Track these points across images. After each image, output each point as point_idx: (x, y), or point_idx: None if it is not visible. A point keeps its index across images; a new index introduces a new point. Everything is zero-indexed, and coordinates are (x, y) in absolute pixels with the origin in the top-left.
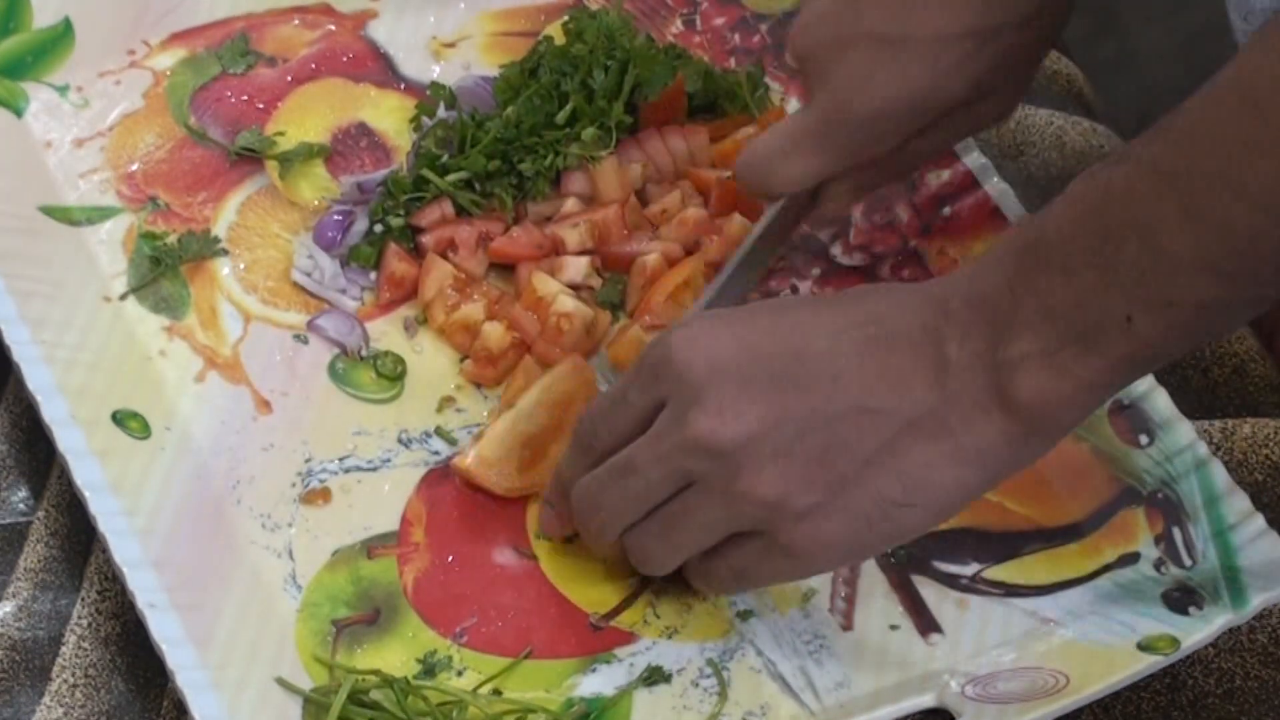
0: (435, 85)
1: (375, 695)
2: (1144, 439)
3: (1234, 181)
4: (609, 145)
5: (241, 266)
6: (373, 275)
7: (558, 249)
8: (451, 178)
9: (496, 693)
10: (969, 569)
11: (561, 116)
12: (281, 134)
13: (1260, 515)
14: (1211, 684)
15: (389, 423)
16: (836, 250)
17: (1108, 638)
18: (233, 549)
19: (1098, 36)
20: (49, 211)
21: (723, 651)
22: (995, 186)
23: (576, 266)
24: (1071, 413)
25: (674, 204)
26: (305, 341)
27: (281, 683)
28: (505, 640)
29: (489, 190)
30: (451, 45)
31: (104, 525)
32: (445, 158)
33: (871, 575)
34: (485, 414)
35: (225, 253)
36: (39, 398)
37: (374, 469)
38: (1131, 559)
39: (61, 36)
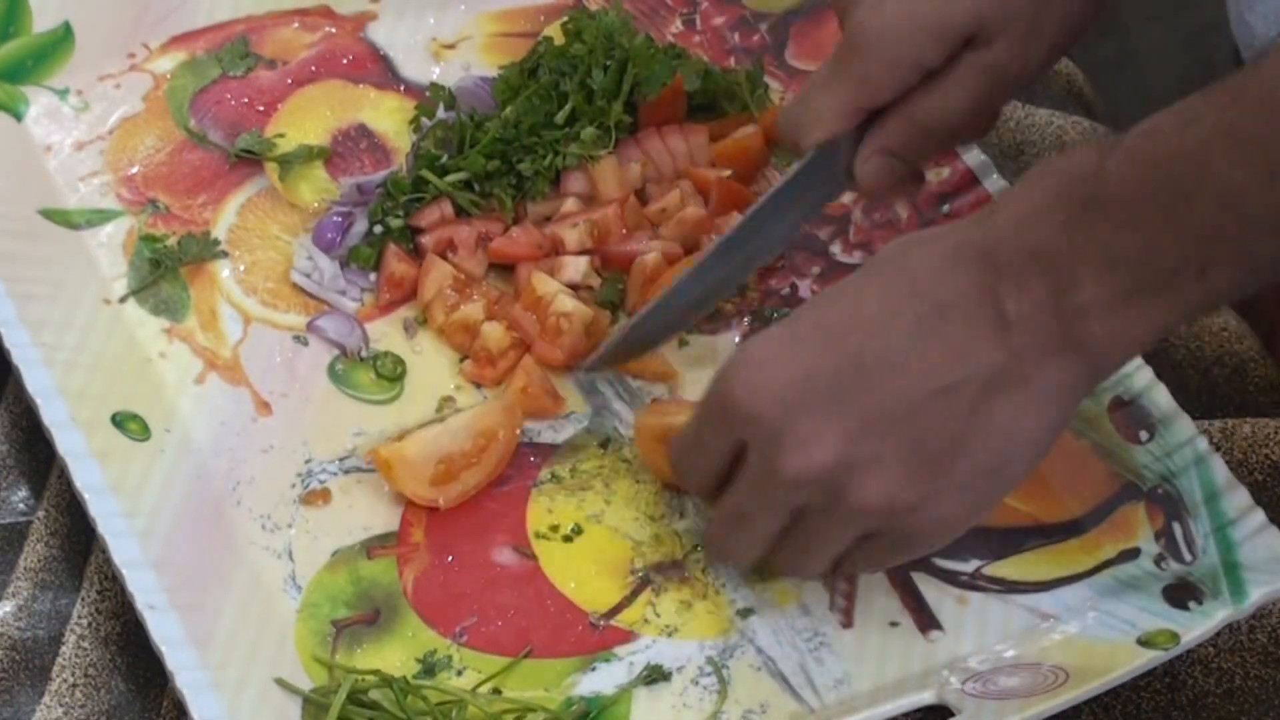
0: (435, 86)
1: (375, 695)
2: (1144, 435)
3: None
4: (608, 145)
5: (241, 268)
6: (372, 276)
7: (557, 249)
8: (451, 178)
9: (496, 692)
10: (969, 565)
11: (561, 116)
12: (281, 136)
13: (1260, 510)
14: (1211, 683)
15: (389, 423)
16: (836, 248)
17: (1108, 633)
18: (233, 550)
19: (1098, 36)
20: (49, 214)
21: (722, 649)
22: (995, 184)
23: (576, 266)
24: (1139, 347)
25: (674, 203)
26: (305, 343)
27: (281, 683)
28: (505, 640)
29: (488, 190)
30: (451, 46)
31: (104, 527)
32: (445, 158)
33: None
34: None
35: (225, 255)
36: (39, 400)
37: (374, 469)
38: (1132, 554)
39: (61, 40)
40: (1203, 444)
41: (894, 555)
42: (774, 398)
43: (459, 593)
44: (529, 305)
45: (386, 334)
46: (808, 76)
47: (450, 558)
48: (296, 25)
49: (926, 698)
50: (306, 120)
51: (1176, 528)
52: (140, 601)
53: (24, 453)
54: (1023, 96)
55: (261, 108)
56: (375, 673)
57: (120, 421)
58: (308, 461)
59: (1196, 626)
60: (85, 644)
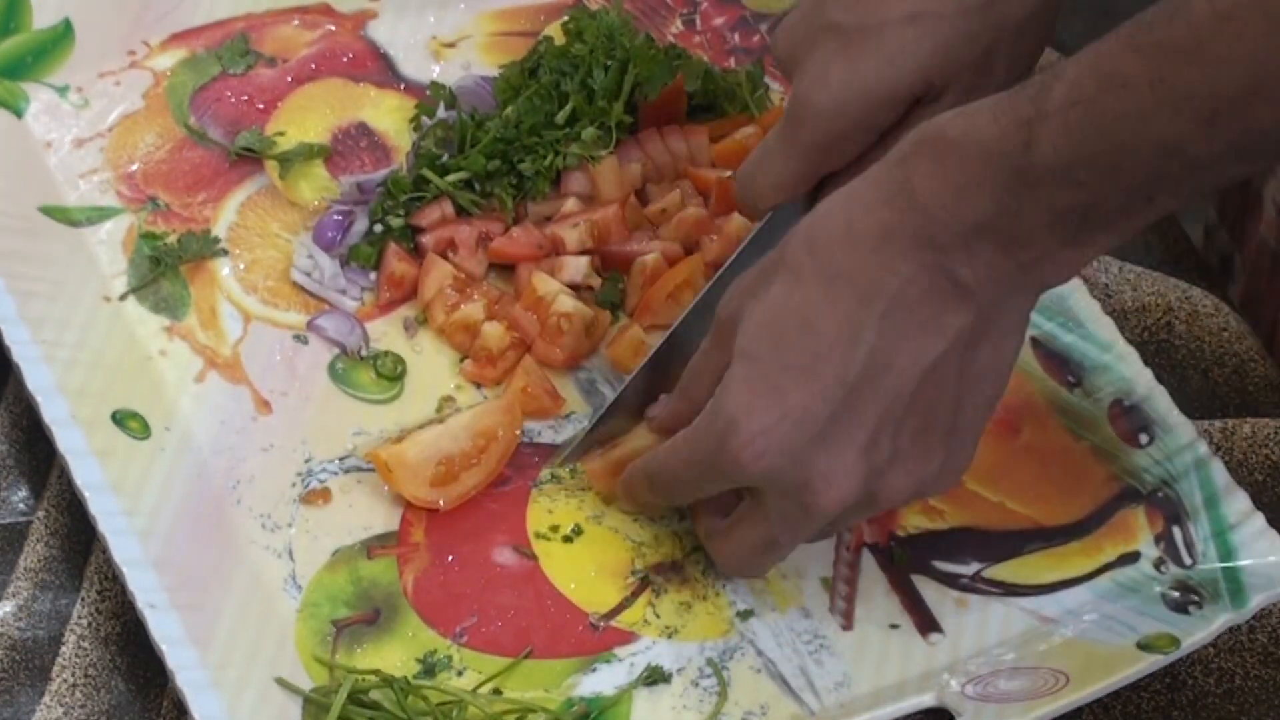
0: (435, 85)
1: (375, 695)
2: (1144, 438)
3: (1266, 94)
4: (609, 145)
5: (241, 267)
6: (372, 275)
7: (558, 249)
8: (451, 178)
9: (496, 692)
10: (969, 568)
11: (561, 116)
12: (281, 134)
13: (1260, 515)
14: (1211, 683)
15: (389, 423)
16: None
17: (1108, 637)
18: (233, 549)
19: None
20: (49, 212)
21: (723, 651)
22: None
23: (576, 266)
24: (1086, 266)
25: (674, 204)
26: (305, 341)
27: (281, 683)
28: (505, 640)
29: (489, 190)
30: (451, 45)
31: (104, 525)
32: (445, 158)
33: (871, 575)
34: None
35: (225, 253)
36: (39, 398)
37: (374, 469)
38: (1131, 558)
39: (61, 37)
40: (1203, 448)
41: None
42: (781, 452)
43: (459, 593)
44: (529, 305)
45: (387, 333)
46: (759, 141)
47: (450, 558)
48: (296, 23)
49: (926, 700)
50: (307, 118)
51: (1176, 531)
52: (140, 600)
53: (24, 452)
54: None
55: (261, 105)
56: (375, 673)
57: (120, 419)
58: (308, 461)
59: (1196, 631)
60: (85, 644)
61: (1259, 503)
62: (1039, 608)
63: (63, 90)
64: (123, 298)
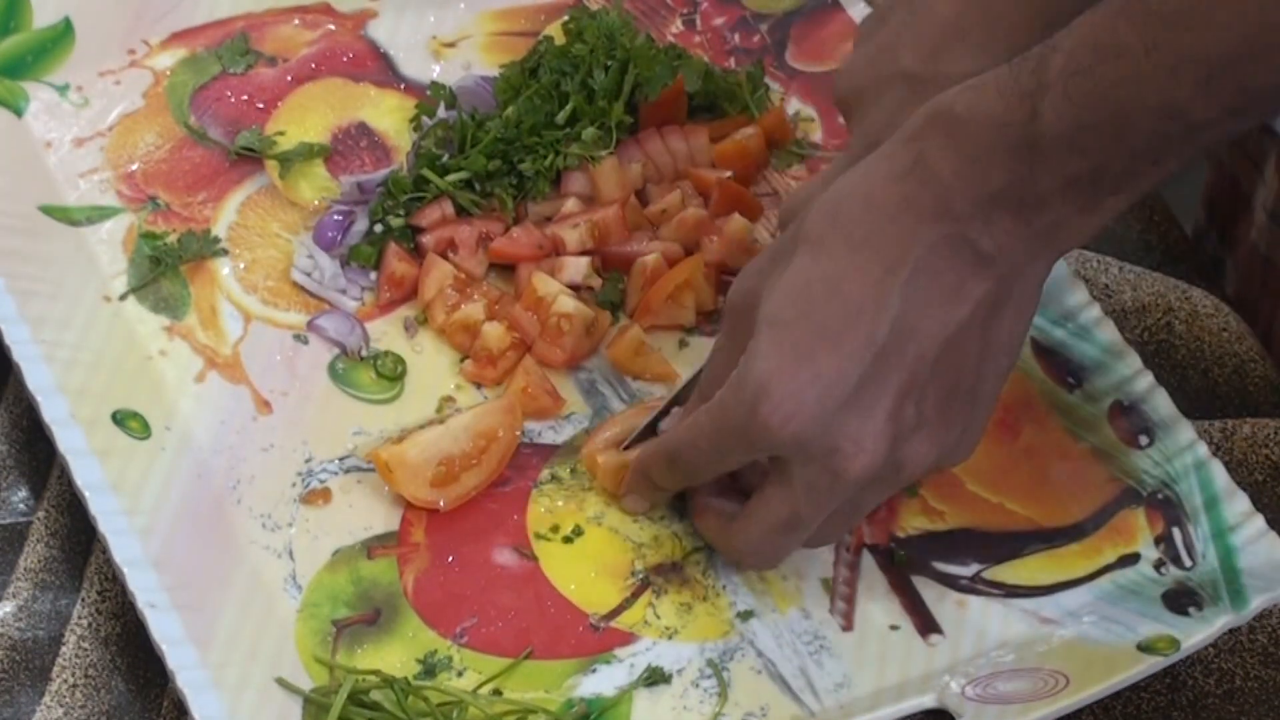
0: (435, 85)
1: (375, 695)
2: (1144, 440)
3: (1259, 53)
4: (609, 145)
5: (241, 266)
6: (373, 275)
7: (558, 249)
8: (452, 178)
9: (496, 693)
10: (969, 569)
11: (562, 116)
12: (281, 134)
13: (1260, 516)
14: (1211, 684)
15: (389, 423)
16: None
17: (1108, 638)
18: (233, 549)
19: None
20: (49, 211)
21: (723, 652)
22: None
23: (576, 267)
24: (1106, 226)
25: (674, 204)
26: (305, 341)
27: (281, 683)
28: (505, 641)
29: (489, 190)
30: (451, 45)
31: (104, 525)
32: (445, 158)
33: (871, 576)
34: None
35: (225, 252)
36: (39, 397)
37: (374, 469)
38: (1131, 560)
39: (61, 36)
40: (1203, 449)
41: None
42: (812, 418)
43: (459, 593)
44: (530, 305)
45: (387, 333)
46: (821, 169)
47: (451, 558)
48: (297, 22)
49: (927, 701)
50: (307, 118)
51: (1176, 533)
52: (141, 600)
53: (24, 453)
54: None
55: (261, 105)
56: (376, 673)
57: (120, 419)
58: (308, 461)
59: (1196, 632)
60: (85, 644)
61: (1259, 503)
62: (1039, 609)
63: (63, 89)
64: (123, 297)
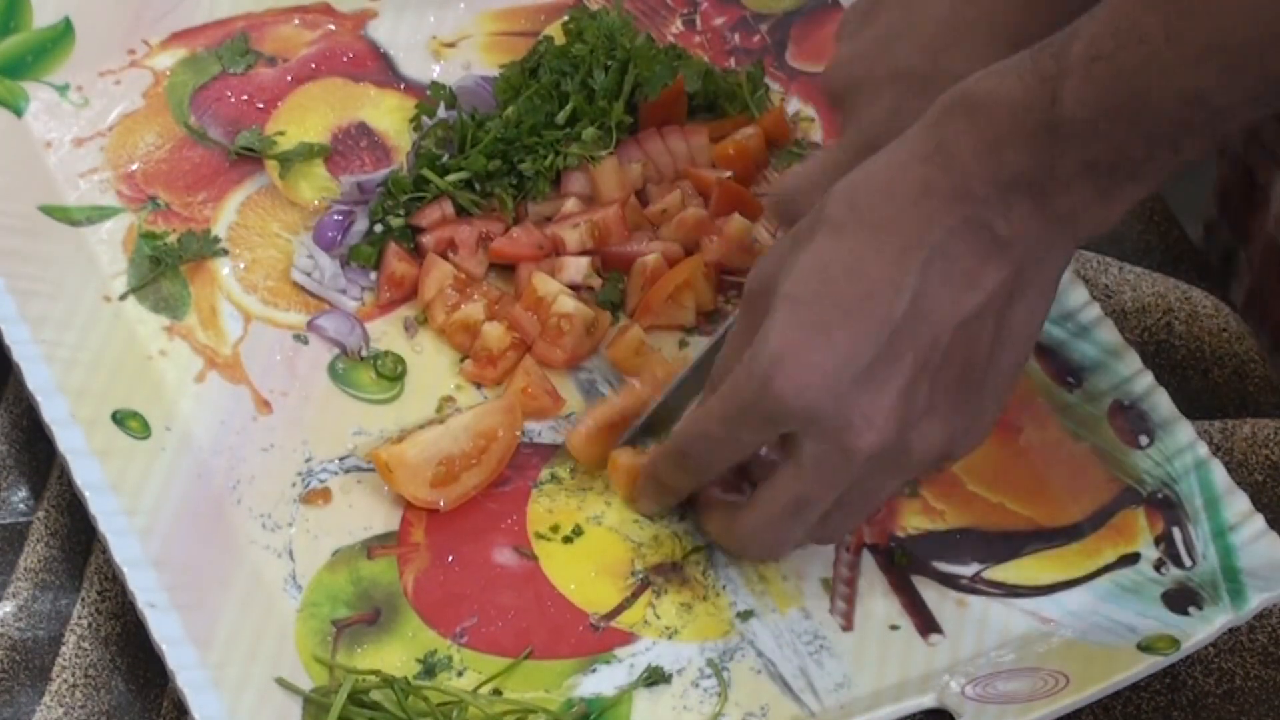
0: (435, 85)
1: (375, 695)
2: (1144, 439)
3: None
4: (609, 145)
5: (242, 266)
6: (373, 275)
7: (558, 249)
8: (452, 178)
9: (496, 693)
10: (969, 569)
11: (562, 116)
12: (281, 134)
13: (1260, 516)
14: (1211, 684)
15: (389, 423)
16: None
17: (1108, 638)
18: (233, 549)
19: None
20: (49, 211)
21: (723, 652)
22: None
23: (577, 267)
24: (1120, 219)
25: (674, 204)
26: (305, 341)
27: (281, 683)
28: (505, 640)
29: (489, 190)
30: (451, 45)
31: (104, 525)
32: (445, 158)
33: (871, 575)
34: None
35: (225, 252)
36: (39, 397)
37: (374, 469)
38: (1131, 559)
39: (61, 36)
40: (1203, 449)
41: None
42: (825, 390)
43: (459, 593)
44: (529, 305)
45: (387, 333)
46: (810, 158)
47: (450, 558)
48: (297, 22)
49: (927, 701)
50: (307, 118)
51: (1176, 533)
52: (141, 600)
53: (24, 453)
54: None
55: (261, 105)
56: (376, 673)
57: (120, 419)
58: (308, 460)
59: (1196, 632)
60: (85, 644)
61: (1259, 503)
62: (1039, 609)
63: (63, 89)
64: (123, 297)
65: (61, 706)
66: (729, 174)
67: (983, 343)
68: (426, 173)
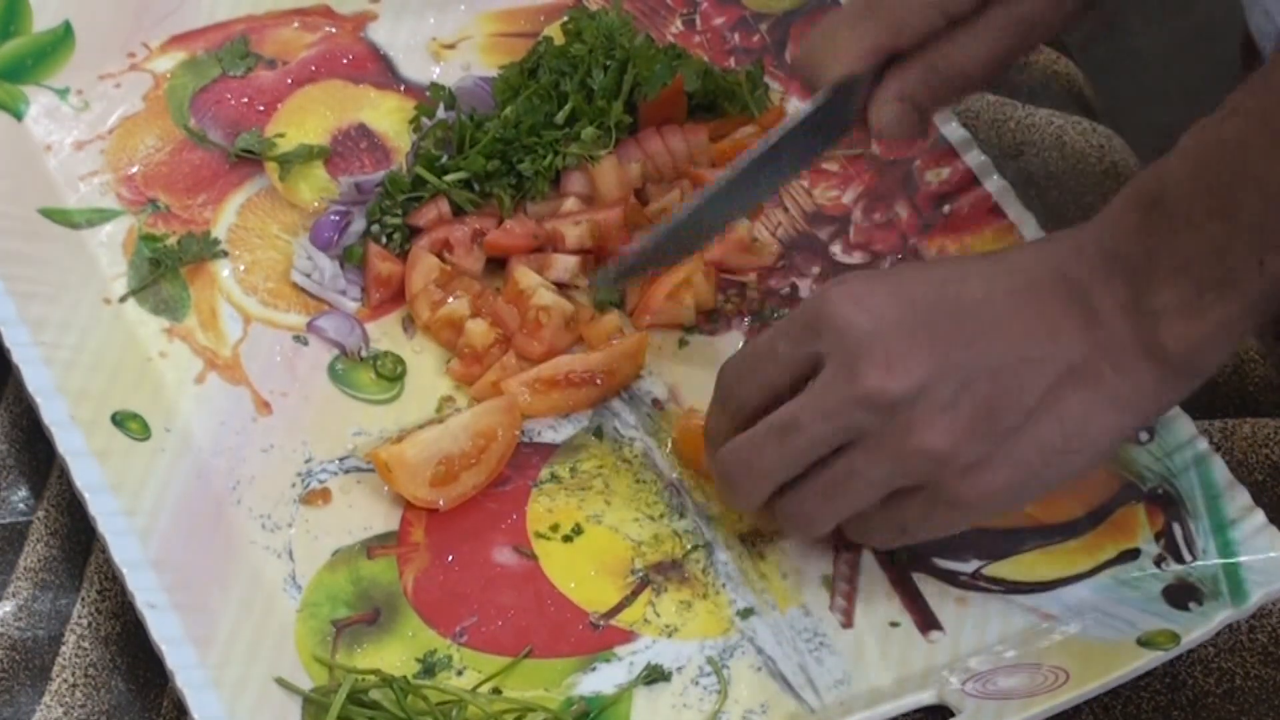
0: (435, 86)
1: (375, 695)
2: (1144, 435)
3: None
4: (608, 145)
5: (241, 268)
6: None
7: (556, 244)
8: (450, 178)
9: (496, 692)
10: (969, 566)
11: (561, 116)
12: (281, 136)
13: (1260, 511)
14: (1211, 683)
15: (389, 423)
16: (837, 248)
17: (1108, 634)
18: (233, 549)
19: (1098, 36)
20: (49, 214)
21: (723, 649)
22: (995, 184)
23: (565, 265)
24: (1215, 352)
25: (674, 204)
26: (305, 342)
27: (281, 683)
28: (505, 640)
29: (488, 190)
30: (451, 46)
31: (104, 526)
32: (444, 158)
33: (872, 573)
34: None
35: (225, 254)
36: (39, 399)
37: (373, 469)
38: (1132, 555)
39: (61, 39)
40: (1203, 445)
41: (921, 520)
42: (872, 314)
43: (459, 593)
44: (511, 298)
45: (387, 333)
46: (832, 11)
47: (450, 557)
48: (296, 25)
49: (927, 698)
50: (306, 120)
51: (1176, 528)
52: (140, 600)
53: (24, 453)
54: (1023, 96)
55: (261, 107)
56: (375, 673)
57: (120, 421)
58: (308, 461)
59: (1196, 627)
60: (85, 644)
61: (1259, 502)
62: (1039, 605)
63: (63, 93)
64: (123, 299)
65: (61, 706)
66: None
67: (1029, 394)
68: (423, 172)
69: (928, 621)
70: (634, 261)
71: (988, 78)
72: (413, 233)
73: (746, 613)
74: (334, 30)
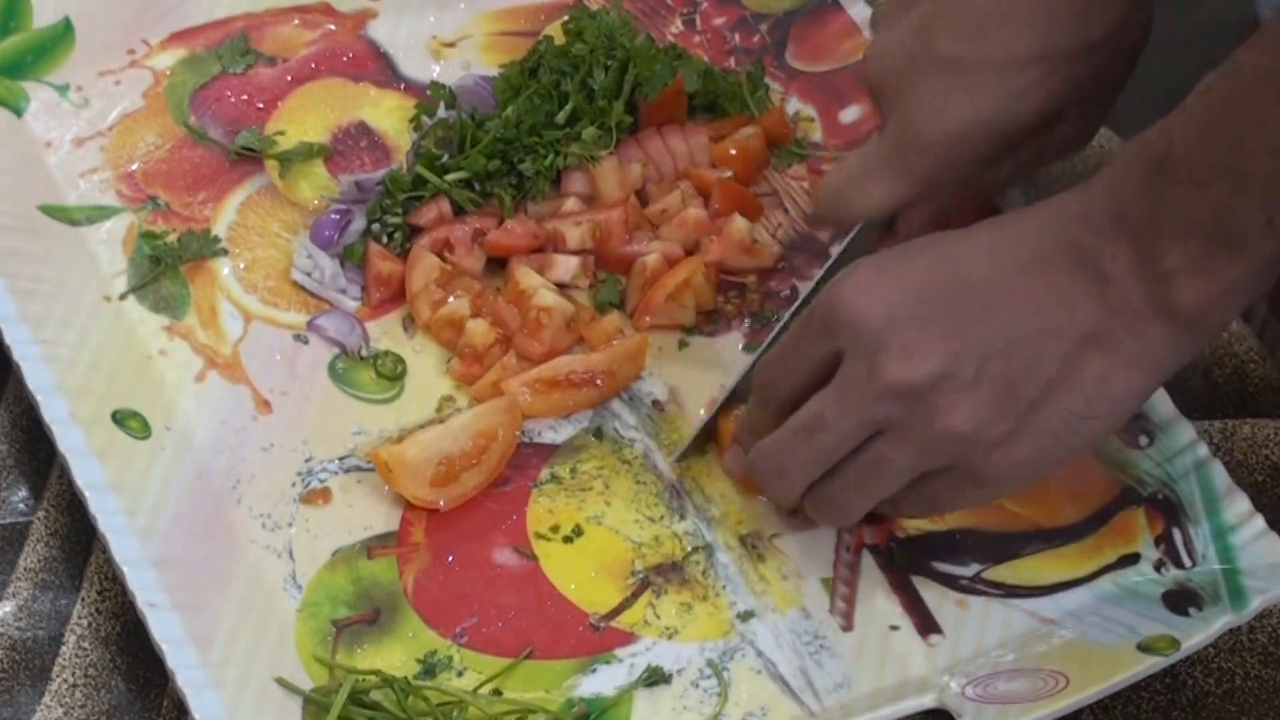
0: (435, 85)
1: (375, 695)
2: (1144, 440)
3: None
4: (609, 145)
5: (241, 266)
6: None
7: (557, 244)
8: (451, 177)
9: (496, 693)
10: (969, 570)
11: (561, 116)
12: (281, 133)
13: (1260, 516)
14: (1211, 684)
15: (389, 423)
16: (836, 250)
17: (1108, 638)
18: (233, 548)
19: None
20: (49, 211)
21: (723, 652)
22: None
23: (566, 266)
24: (1225, 311)
25: (674, 204)
26: (305, 341)
27: (281, 683)
28: (505, 640)
29: (489, 190)
30: (451, 45)
31: (104, 524)
32: (445, 157)
33: (872, 576)
34: None
35: (225, 252)
36: (39, 397)
37: (374, 469)
38: (1131, 560)
39: (61, 36)
40: (1203, 449)
41: (950, 497)
42: (884, 305)
43: (459, 593)
44: (512, 298)
45: (387, 333)
46: (855, 152)
47: (450, 558)
48: (296, 22)
49: (926, 701)
50: (307, 118)
51: (1176, 533)
52: (141, 600)
53: (24, 453)
54: None
55: (261, 105)
56: (376, 673)
57: (120, 419)
58: (308, 460)
59: (1196, 633)
60: (85, 644)
61: (1259, 503)
62: (1039, 609)
63: (63, 89)
64: (123, 297)
65: (61, 706)
66: (729, 174)
67: (1047, 366)
68: (424, 171)
69: (927, 625)
70: (699, 432)
71: (1010, 182)
72: (413, 232)
73: (747, 615)
74: (334, 28)
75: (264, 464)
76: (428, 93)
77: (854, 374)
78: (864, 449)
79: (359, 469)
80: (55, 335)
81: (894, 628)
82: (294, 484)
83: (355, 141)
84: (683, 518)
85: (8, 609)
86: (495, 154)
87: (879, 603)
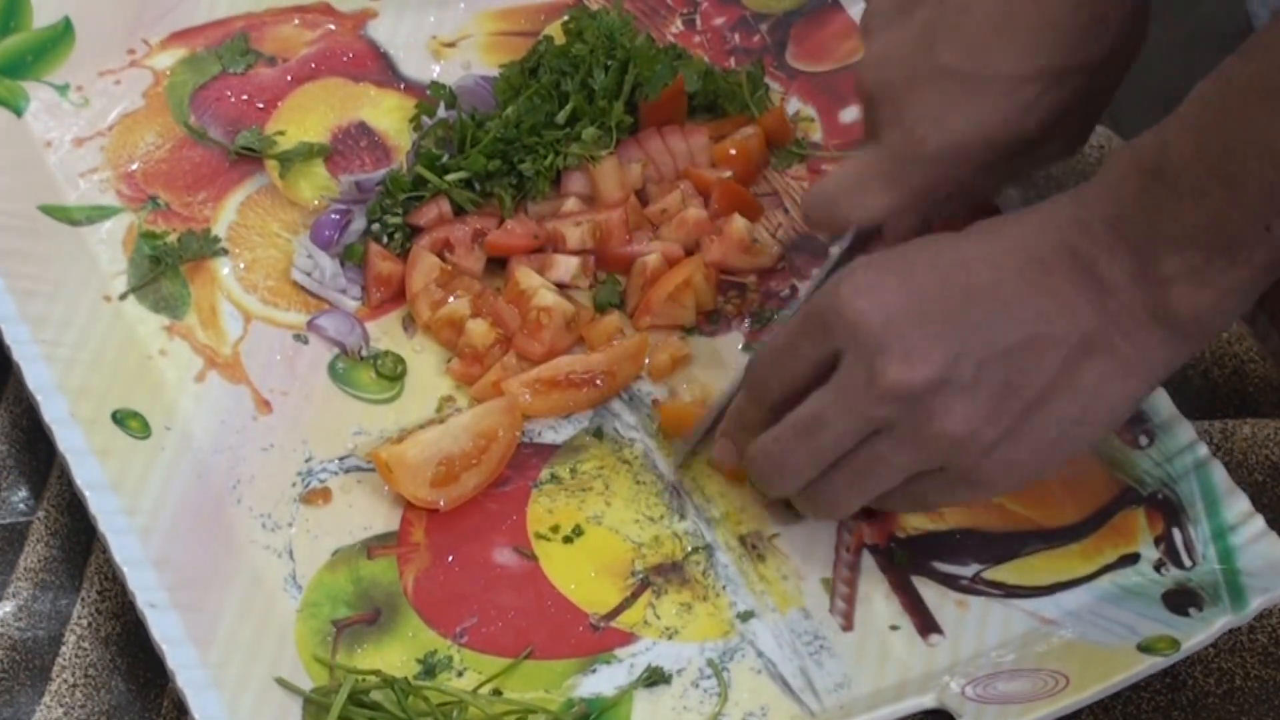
0: (435, 85)
1: (375, 695)
2: (1144, 440)
3: None
4: (609, 145)
5: (241, 266)
6: None
7: (557, 244)
8: (451, 177)
9: (497, 693)
10: (969, 570)
11: (562, 116)
12: (281, 133)
13: (1260, 516)
14: (1211, 684)
15: (389, 423)
16: (836, 250)
17: (1108, 639)
18: (233, 549)
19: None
20: (49, 211)
21: (723, 652)
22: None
23: (566, 266)
24: (1223, 317)
25: (674, 204)
26: (305, 341)
27: (281, 683)
28: (505, 640)
29: (489, 190)
30: (451, 45)
31: (104, 524)
32: (445, 157)
33: (872, 576)
34: None
35: (225, 252)
36: (39, 397)
37: (374, 469)
38: (1131, 560)
39: (61, 36)
40: (1203, 450)
41: (940, 495)
42: (883, 308)
43: (459, 593)
44: (512, 298)
45: (387, 333)
46: (848, 159)
47: (450, 558)
48: (296, 22)
49: (926, 701)
50: (307, 118)
51: (1176, 533)
52: (141, 600)
53: (24, 453)
54: None
55: (261, 105)
56: (376, 673)
57: (120, 419)
58: (308, 460)
59: (1196, 633)
60: (85, 644)
61: (1259, 503)
62: (1039, 609)
63: (63, 89)
64: (123, 297)
65: (61, 706)
66: (729, 174)
67: (1045, 371)
68: (424, 171)
69: (927, 625)
70: (701, 436)
71: (998, 191)
72: (413, 232)
73: (747, 615)
74: (334, 28)
75: (264, 464)
76: (428, 93)
77: (853, 375)
78: (860, 447)
79: (359, 469)
80: (55, 335)
81: (894, 628)
82: (294, 484)
83: (355, 141)
84: (683, 518)
85: (8, 609)
86: (495, 154)
87: (879, 603)
